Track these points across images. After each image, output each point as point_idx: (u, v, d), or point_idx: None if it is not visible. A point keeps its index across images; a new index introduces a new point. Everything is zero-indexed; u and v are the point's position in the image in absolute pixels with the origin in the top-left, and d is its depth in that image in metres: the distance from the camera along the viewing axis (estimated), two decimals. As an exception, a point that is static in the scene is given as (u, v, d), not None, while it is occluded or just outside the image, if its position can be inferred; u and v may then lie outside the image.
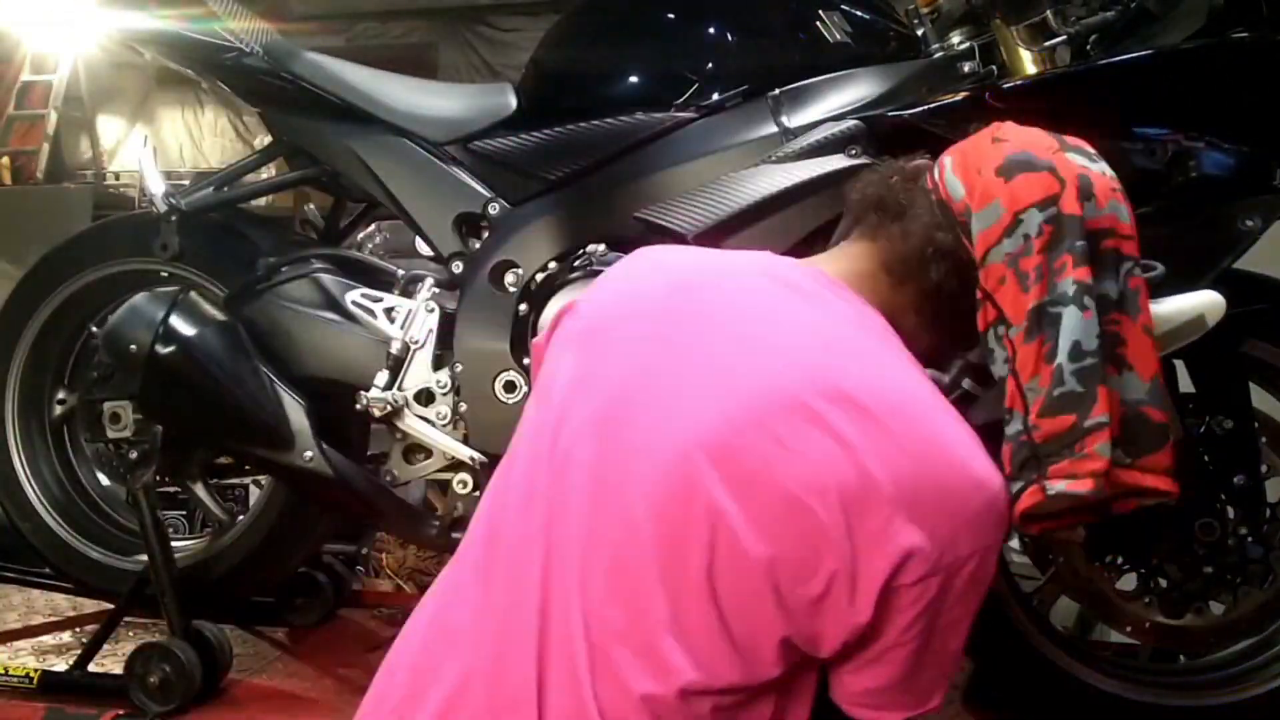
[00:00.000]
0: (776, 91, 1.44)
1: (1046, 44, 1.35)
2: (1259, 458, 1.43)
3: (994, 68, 1.41)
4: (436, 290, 1.55)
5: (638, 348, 0.95)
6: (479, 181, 1.56)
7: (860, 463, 0.85)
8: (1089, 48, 1.40)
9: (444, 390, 1.51)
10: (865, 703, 0.92)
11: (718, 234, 1.38)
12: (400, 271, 1.61)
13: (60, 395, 1.83)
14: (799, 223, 1.38)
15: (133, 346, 1.52)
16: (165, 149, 7.79)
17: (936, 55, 1.45)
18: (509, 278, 1.50)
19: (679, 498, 0.88)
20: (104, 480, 1.86)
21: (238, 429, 1.56)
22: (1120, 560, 1.48)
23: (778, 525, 0.85)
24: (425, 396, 1.52)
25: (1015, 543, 1.57)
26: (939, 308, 1.01)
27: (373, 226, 2.01)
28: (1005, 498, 0.89)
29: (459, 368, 1.50)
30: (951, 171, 0.99)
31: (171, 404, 1.55)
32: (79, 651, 1.65)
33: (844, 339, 0.94)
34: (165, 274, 1.70)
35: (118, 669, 1.59)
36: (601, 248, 1.47)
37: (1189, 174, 1.27)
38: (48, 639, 1.92)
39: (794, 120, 1.42)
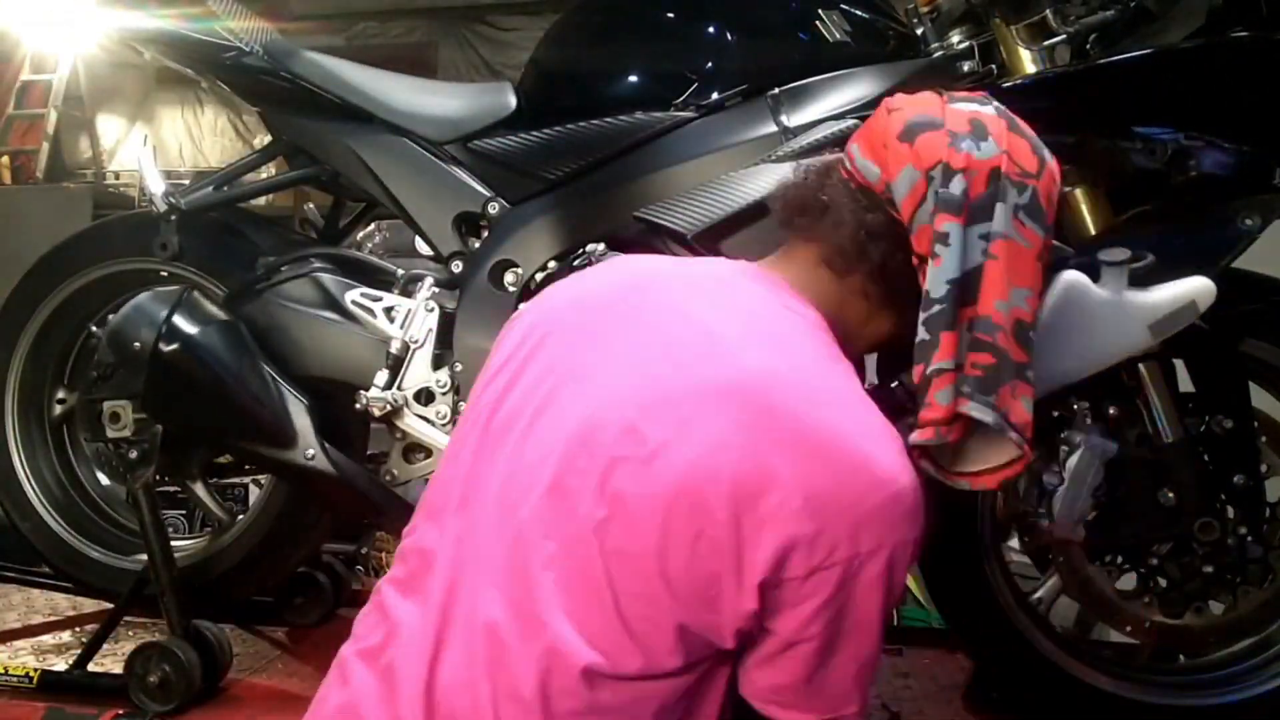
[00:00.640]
0: (776, 91, 1.44)
1: (1046, 43, 1.35)
2: (1259, 458, 1.43)
3: (994, 67, 1.41)
4: (436, 290, 1.55)
5: (571, 337, 0.98)
6: (479, 181, 1.56)
7: (755, 453, 0.86)
8: (1088, 47, 1.40)
9: (444, 390, 1.51)
10: (773, 699, 0.92)
11: (717, 233, 1.38)
12: (400, 271, 1.61)
13: (60, 394, 1.83)
14: (798, 222, 1.37)
15: (136, 345, 1.52)
16: (165, 148, 7.80)
17: (936, 54, 1.45)
18: (509, 277, 1.50)
19: (579, 471, 0.89)
20: (104, 479, 1.86)
21: (240, 427, 1.56)
22: (1120, 560, 1.48)
23: (668, 508, 0.86)
24: (425, 396, 1.52)
25: (1015, 543, 1.57)
26: (890, 285, 1.02)
27: (372, 226, 2.02)
28: (915, 493, 0.89)
29: (459, 367, 1.50)
30: (861, 156, 1.02)
31: (174, 402, 1.55)
32: (79, 651, 1.65)
33: (763, 334, 0.95)
34: (165, 273, 1.70)
35: (117, 668, 1.59)
36: (601, 247, 1.47)
37: (1188, 173, 1.27)
38: (47, 638, 1.92)
39: (793, 119, 1.42)
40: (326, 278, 1.62)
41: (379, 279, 1.63)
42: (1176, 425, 1.40)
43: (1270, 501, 1.44)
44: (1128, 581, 1.48)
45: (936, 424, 0.93)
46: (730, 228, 1.38)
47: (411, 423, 1.52)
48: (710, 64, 1.49)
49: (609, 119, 1.49)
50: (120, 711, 1.50)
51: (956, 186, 0.95)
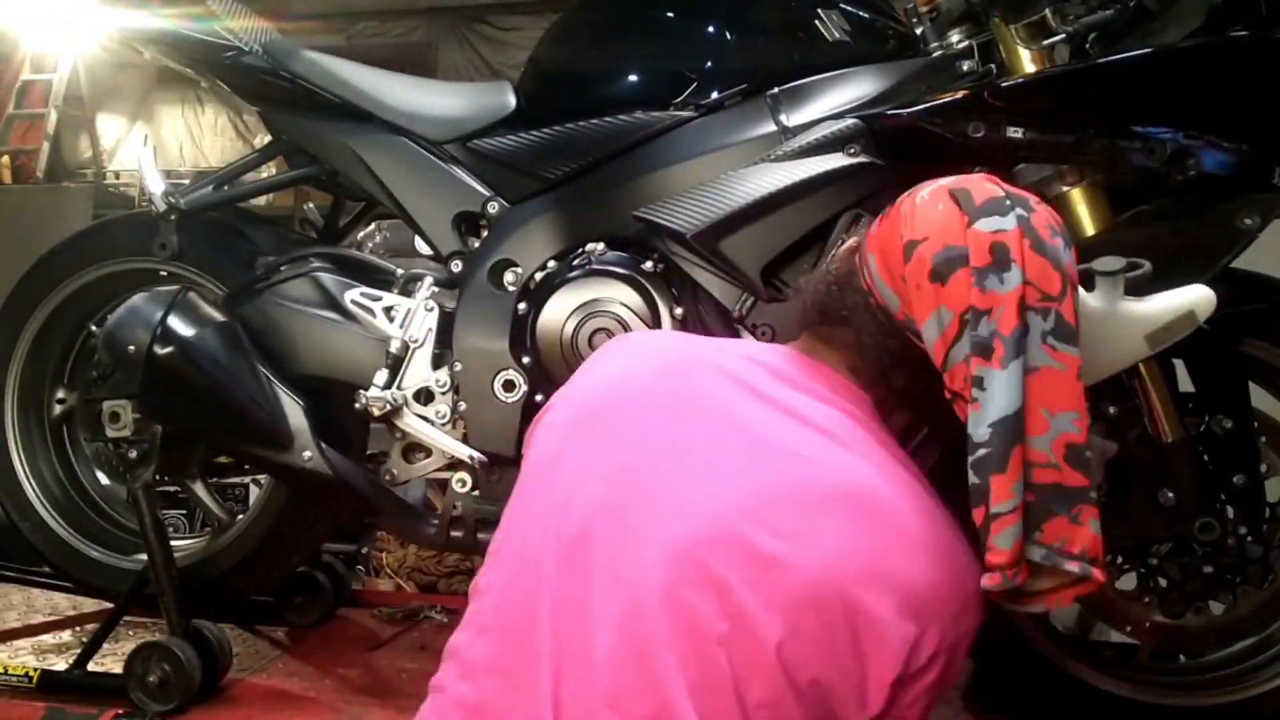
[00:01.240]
0: (775, 90, 1.44)
1: (1045, 42, 1.34)
2: (1259, 458, 1.43)
3: (993, 66, 1.40)
4: (436, 289, 1.55)
5: (629, 433, 0.98)
6: (478, 180, 1.56)
7: (871, 557, 0.90)
8: (1088, 46, 1.40)
9: (443, 389, 1.51)
10: None
11: (717, 232, 1.38)
12: (399, 270, 1.61)
13: (60, 394, 1.83)
14: (798, 221, 1.38)
15: (131, 347, 1.52)
16: (165, 148, 7.80)
17: (935, 54, 1.45)
18: (508, 276, 1.50)
19: (690, 583, 0.90)
20: (103, 479, 1.86)
21: (237, 429, 1.56)
22: (1120, 560, 1.48)
23: (794, 620, 0.88)
24: (424, 395, 1.52)
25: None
26: (917, 404, 1.03)
27: (372, 225, 2.02)
28: (976, 580, 0.93)
29: (458, 366, 1.50)
30: (879, 277, 1.01)
31: (170, 404, 1.55)
32: (79, 650, 1.65)
33: (836, 432, 0.97)
34: (164, 273, 1.70)
35: (117, 668, 1.59)
36: (600, 246, 1.47)
37: (1188, 172, 1.27)
38: (47, 638, 1.92)
39: (793, 119, 1.42)
40: (326, 277, 1.62)
41: (379, 278, 1.63)
42: (1176, 425, 1.40)
43: (1270, 501, 1.44)
44: (1128, 581, 1.48)
45: (1002, 568, 0.92)
46: (730, 227, 1.38)
47: (411, 422, 1.52)
48: (710, 63, 1.49)
49: (608, 118, 1.49)
50: (120, 711, 1.50)
51: (985, 329, 0.93)
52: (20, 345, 1.79)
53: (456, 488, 1.52)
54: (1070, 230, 1.36)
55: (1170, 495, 1.40)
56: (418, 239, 1.60)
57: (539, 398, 1.46)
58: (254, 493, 1.92)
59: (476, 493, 1.51)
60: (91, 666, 1.62)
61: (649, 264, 1.45)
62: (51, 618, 2.04)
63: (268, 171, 2.04)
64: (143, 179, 1.70)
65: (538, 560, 0.95)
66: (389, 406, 1.50)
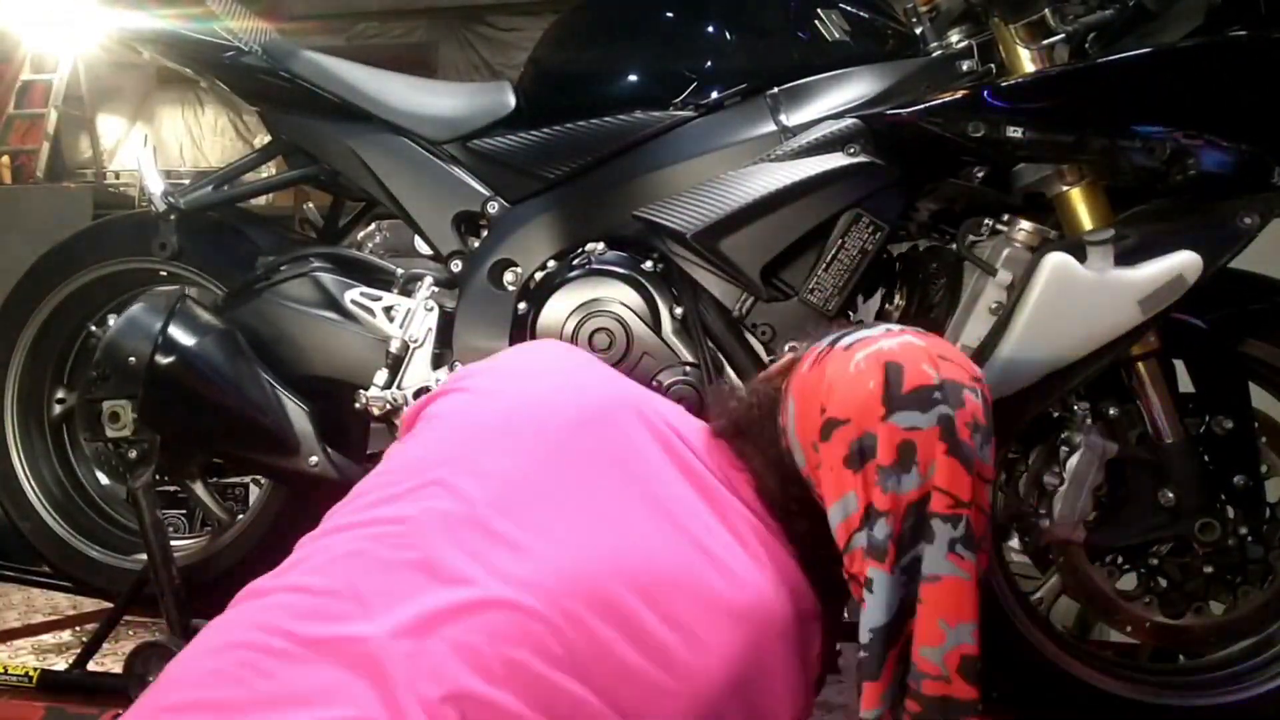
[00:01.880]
0: (775, 90, 1.44)
1: (1045, 42, 1.34)
2: (1259, 458, 1.43)
3: (992, 66, 1.40)
4: (436, 289, 1.55)
5: (528, 459, 0.95)
6: (478, 180, 1.56)
7: (758, 668, 0.92)
8: (1087, 46, 1.40)
9: (443, 389, 1.51)
10: None
11: (717, 232, 1.38)
12: (399, 270, 1.61)
13: (59, 394, 1.82)
14: (798, 221, 1.38)
15: (132, 359, 1.51)
16: (165, 148, 7.80)
17: (935, 53, 1.45)
18: (508, 276, 1.50)
19: (561, 632, 0.86)
20: (103, 479, 1.86)
21: (242, 436, 1.56)
22: (1120, 560, 1.48)
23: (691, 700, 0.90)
24: (424, 395, 1.52)
25: (1015, 543, 1.57)
26: (811, 555, 1.00)
27: (372, 226, 2.01)
28: None
29: (458, 366, 1.50)
30: (795, 431, 0.99)
31: (174, 415, 1.55)
32: (78, 650, 1.65)
33: (751, 544, 0.97)
34: (164, 273, 1.70)
35: (117, 668, 1.59)
36: (600, 246, 1.47)
37: (1187, 172, 1.27)
38: (47, 638, 1.93)
39: (793, 119, 1.42)
40: (326, 277, 1.62)
41: (379, 278, 1.63)
42: (1176, 425, 1.40)
43: (1270, 501, 1.44)
44: (1128, 581, 1.48)
45: None
46: (730, 227, 1.38)
47: (411, 422, 1.51)
48: (709, 63, 1.49)
49: (608, 118, 1.49)
50: (120, 711, 1.49)
51: (880, 531, 0.91)
52: (20, 345, 1.78)
53: (456, 487, 1.52)
54: (1070, 230, 1.37)
55: (1170, 495, 1.41)
56: (418, 239, 1.60)
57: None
58: (254, 493, 1.92)
59: (476, 493, 1.51)
60: (91, 666, 1.62)
61: (649, 264, 1.45)
62: (51, 617, 2.04)
63: (268, 171, 2.04)
64: (142, 179, 1.70)
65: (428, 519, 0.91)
66: (389, 406, 1.50)
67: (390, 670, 0.80)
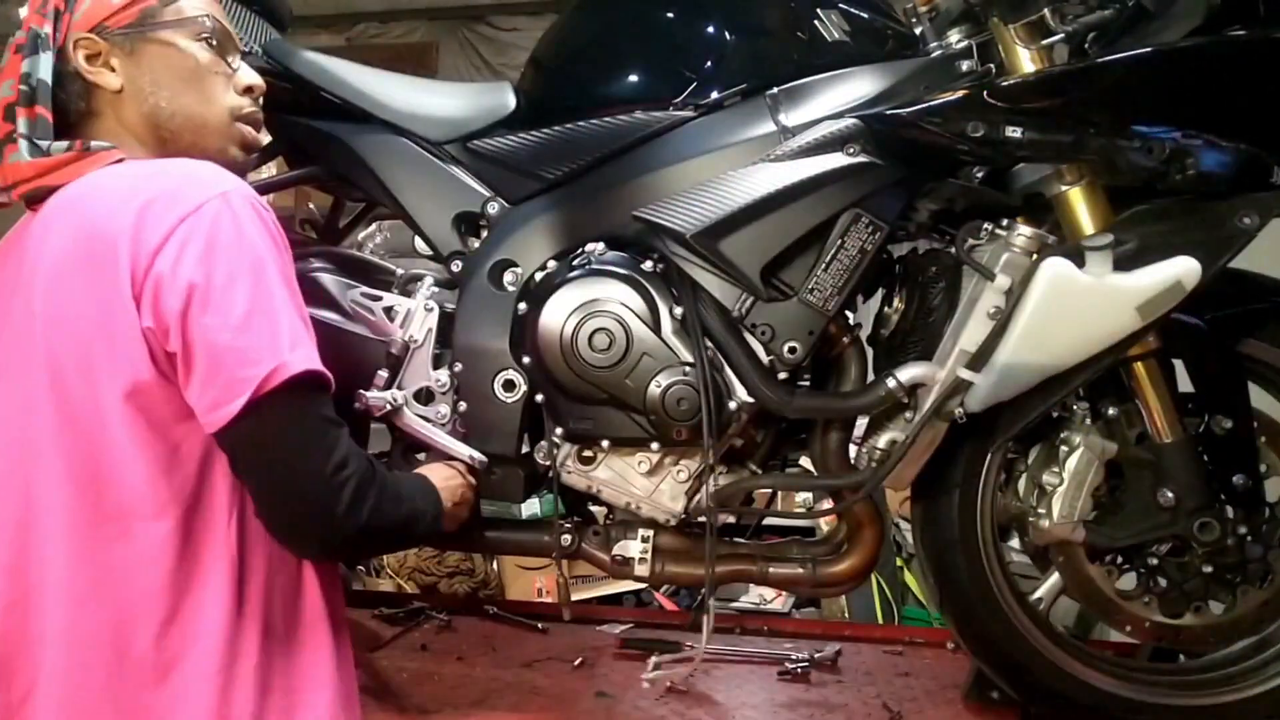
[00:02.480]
0: (775, 90, 1.44)
1: (1044, 42, 1.34)
2: (1258, 458, 1.43)
3: (992, 66, 1.41)
4: (436, 289, 1.55)
5: None
6: (478, 180, 1.56)
7: None
8: (1087, 46, 1.40)
9: (443, 389, 1.51)
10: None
11: (716, 232, 1.38)
12: (399, 270, 1.61)
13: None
14: (797, 221, 1.38)
15: None
16: (166, 149, 7.78)
17: (934, 53, 1.45)
18: (508, 277, 1.50)
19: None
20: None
21: None
22: (1120, 560, 1.48)
23: None
24: (424, 395, 1.52)
25: (1015, 543, 1.57)
26: None
27: (372, 226, 2.01)
28: None
29: (458, 367, 1.50)
30: None
31: None
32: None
33: None
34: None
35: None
36: (600, 246, 1.47)
37: (1186, 171, 1.27)
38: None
39: (792, 119, 1.42)
40: (326, 277, 1.62)
41: (379, 278, 1.63)
42: (1176, 425, 1.41)
43: (1270, 501, 1.44)
44: (1128, 581, 1.48)
45: None
46: (729, 227, 1.38)
47: (411, 422, 1.51)
48: (709, 63, 1.49)
49: (608, 118, 1.49)
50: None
51: None
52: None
53: (456, 487, 1.52)
54: (1070, 229, 1.38)
55: (1170, 495, 1.41)
56: (417, 239, 1.60)
57: (539, 397, 1.46)
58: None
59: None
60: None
61: (649, 264, 1.45)
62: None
63: (268, 171, 2.04)
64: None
65: None
66: (389, 407, 1.50)
67: None
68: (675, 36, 1.55)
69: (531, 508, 2.34)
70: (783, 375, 1.42)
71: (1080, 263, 1.28)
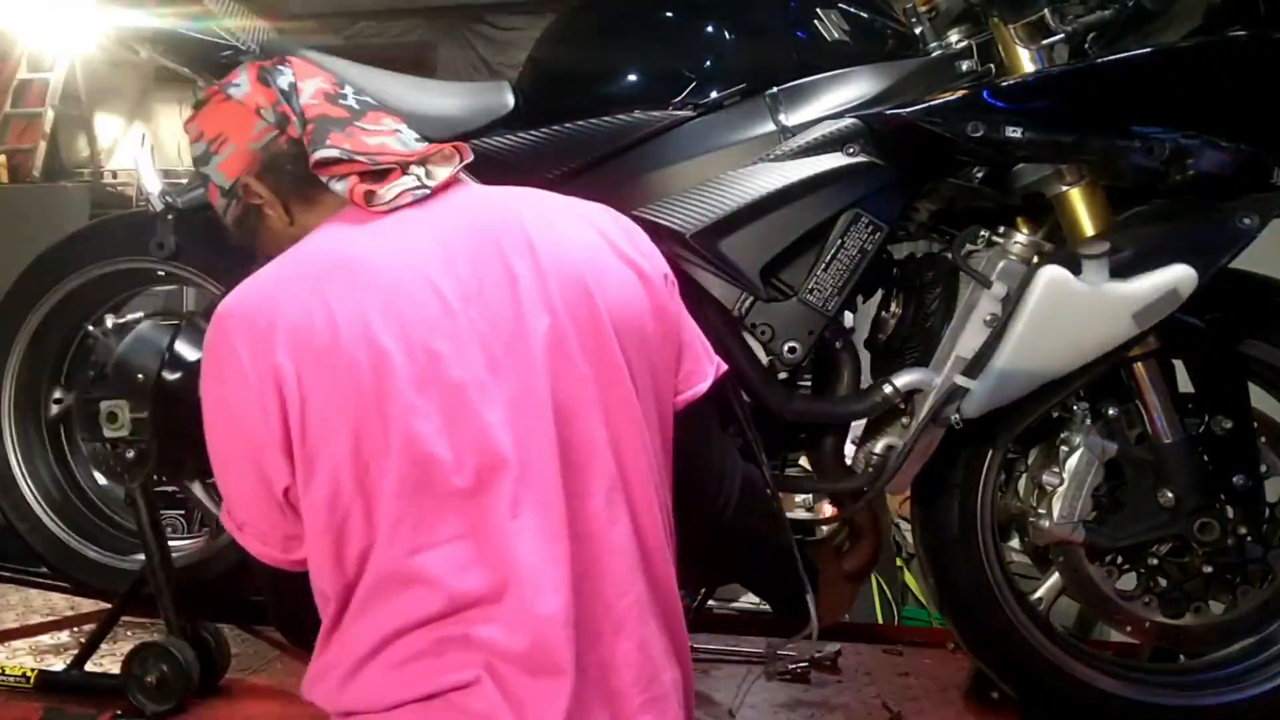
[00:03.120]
0: (774, 90, 1.44)
1: (1044, 42, 1.34)
2: (1258, 458, 1.43)
3: (992, 66, 1.41)
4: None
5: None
6: (477, 180, 1.55)
7: None
8: (1087, 46, 1.40)
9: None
10: None
11: (716, 232, 1.37)
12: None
13: (57, 394, 1.82)
14: (797, 221, 1.37)
15: (139, 376, 1.51)
16: (163, 147, 7.76)
17: (934, 53, 1.45)
18: (507, 277, 1.50)
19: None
20: (101, 480, 1.85)
21: None
22: (1120, 560, 1.48)
23: None
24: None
25: (1015, 543, 1.57)
26: None
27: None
28: None
29: (457, 367, 1.49)
30: None
31: (185, 431, 1.53)
32: (76, 651, 1.65)
33: None
34: (161, 273, 1.70)
35: (115, 668, 1.58)
36: (600, 246, 1.47)
37: (1187, 172, 1.27)
38: (45, 638, 1.92)
39: (792, 118, 1.42)
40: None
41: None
42: (1176, 425, 1.41)
43: (1270, 501, 1.44)
44: (1128, 581, 1.48)
45: None
46: (729, 227, 1.38)
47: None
48: (709, 63, 1.48)
49: (607, 118, 1.48)
50: (118, 712, 1.50)
51: None
52: (17, 345, 1.78)
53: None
54: (1069, 229, 1.37)
55: (1169, 495, 1.41)
56: (416, 239, 1.60)
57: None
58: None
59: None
60: (89, 667, 1.61)
61: (648, 264, 1.44)
62: (49, 618, 2.03)
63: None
64: (140, 178, 1.70)
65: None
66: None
67: None
68: (675, 36, 1.54)
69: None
70: (782, 375, 1.42)
71: (1076, 270, 1.28)
